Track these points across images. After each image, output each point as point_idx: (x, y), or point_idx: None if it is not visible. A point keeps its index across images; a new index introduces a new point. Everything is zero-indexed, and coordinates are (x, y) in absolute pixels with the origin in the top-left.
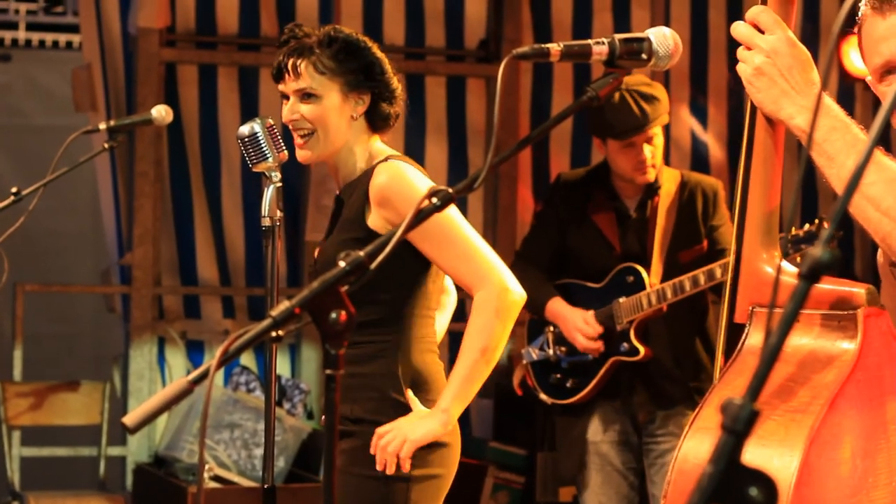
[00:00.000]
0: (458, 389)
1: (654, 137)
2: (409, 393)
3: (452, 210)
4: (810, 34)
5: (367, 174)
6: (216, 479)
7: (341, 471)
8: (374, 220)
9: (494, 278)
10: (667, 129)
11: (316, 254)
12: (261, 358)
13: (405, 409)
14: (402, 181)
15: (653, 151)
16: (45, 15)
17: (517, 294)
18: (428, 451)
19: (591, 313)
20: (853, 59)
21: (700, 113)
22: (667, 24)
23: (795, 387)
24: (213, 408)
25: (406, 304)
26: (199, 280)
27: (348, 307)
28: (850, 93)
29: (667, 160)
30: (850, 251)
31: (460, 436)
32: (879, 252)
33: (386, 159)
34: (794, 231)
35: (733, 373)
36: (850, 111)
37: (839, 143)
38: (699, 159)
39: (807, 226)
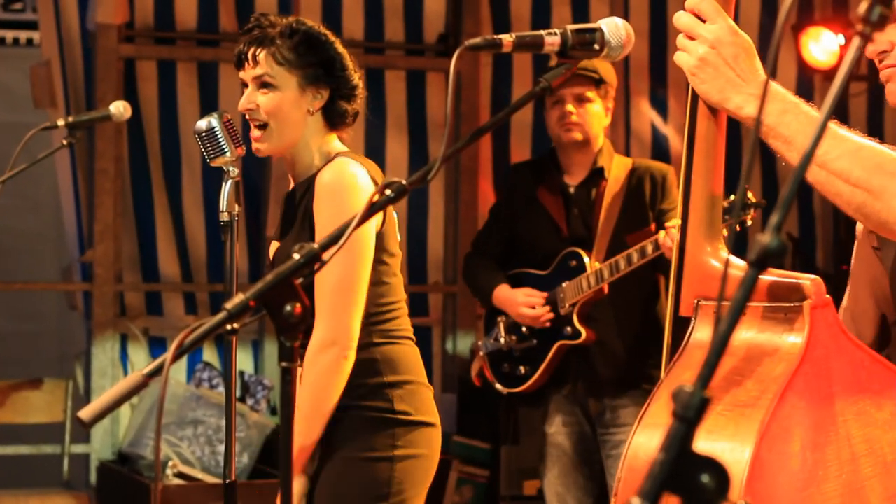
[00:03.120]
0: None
1: (586, 101)
2: None
3: (367, 242)
4: (769, 28)
5: (320, 171)
6: (180, 475)
7: (325, 454)
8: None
9: (337, 330)
10: (626, 121)
11: (272, 253)
12: (223, 354)
13: (389, 395)
14: (341, 185)
15: (580, 112)
16: (3, 12)
17: (346, 356)
18: (410, 429)
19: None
20: (812, 51)
21: (660, 105)
22: (626, 16)
23: (743, 380)
24: (177, 404)
25: (372, 300)
26: (160, 276)
27: (303, 299)
28: (810, 84)
29: (627, 152)
30: (812, 243)
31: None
32: None
33: (335, 156)
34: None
35: (680, 367)
36: (810, 102)
37: (794, 125)
38: (659, 152)
39: (731, 196)
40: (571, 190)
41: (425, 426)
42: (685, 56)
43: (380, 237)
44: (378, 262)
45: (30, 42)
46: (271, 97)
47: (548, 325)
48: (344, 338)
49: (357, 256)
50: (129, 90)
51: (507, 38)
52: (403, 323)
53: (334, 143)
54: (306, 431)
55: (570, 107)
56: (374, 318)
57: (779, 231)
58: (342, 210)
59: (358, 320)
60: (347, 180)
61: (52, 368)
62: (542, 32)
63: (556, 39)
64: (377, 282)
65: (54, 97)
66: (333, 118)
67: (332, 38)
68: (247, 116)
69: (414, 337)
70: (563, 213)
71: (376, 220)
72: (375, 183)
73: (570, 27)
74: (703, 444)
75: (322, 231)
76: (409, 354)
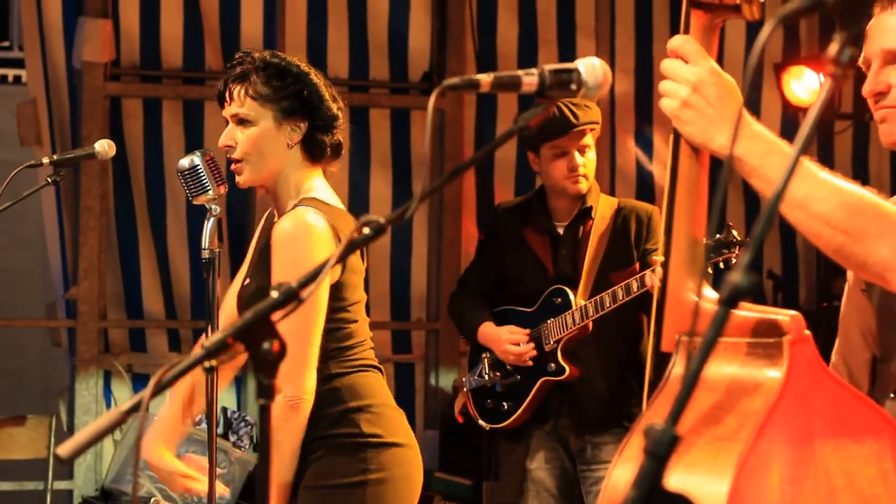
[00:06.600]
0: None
1: (587, 149)
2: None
3: (319, 294)
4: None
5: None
6: None
7: (297, 486)
8: None
9: (296, 383)
10: (612, 159)
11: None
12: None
13: (355, 419)
14: (295, 234)
15: (584, 162)
16: None
17: (305, 402)
18: (380, 451)
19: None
20: (794, 89)
21: (645, 143)
22: (611, 54)
23: (723, 415)
24: None
25: (336, 338)
26: (144, 313)
27: (280, 337)
28: (794, 122)
29: (612, 189)
30: (795, 280)
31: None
32: None
33: (300, 202)
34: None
35: (661, 402)
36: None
37: (777, 166)
38: (644, 189)
39: (717, 236)
40: (560, 230)
41: (396, 447)
42: (668, 101)
43: (338, 287)
44: (337, 309)
45: (17, 80)
46: (249, 133)
47: (530, 363)
48: (300, 391)
49: (309, 308)
50: (114, 128)
51: (484, 78)
52: (367, 354)
53: (312, 181)
54: (279, 471)
55: (579, 159)
56: (333, 353)
57: (750, 269)
58: (294, 259)
59: (313, 371)
60: (302, 230)
61: (35, 405)
62: (520, 72)
63: (534, 80)
64: (335, 329)
65: (40, 135)
66: (313, 151)
67: (305, 68)
68: (227, 154)
69: (380, 367)
70: (549, 254)
71: (332, 272)
72: (336, 232)
73: (548, 67)
74: (683, 478)
75: (276, 279)
76: (372, 380)
